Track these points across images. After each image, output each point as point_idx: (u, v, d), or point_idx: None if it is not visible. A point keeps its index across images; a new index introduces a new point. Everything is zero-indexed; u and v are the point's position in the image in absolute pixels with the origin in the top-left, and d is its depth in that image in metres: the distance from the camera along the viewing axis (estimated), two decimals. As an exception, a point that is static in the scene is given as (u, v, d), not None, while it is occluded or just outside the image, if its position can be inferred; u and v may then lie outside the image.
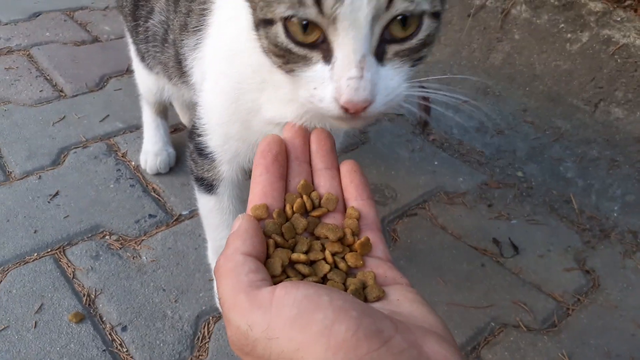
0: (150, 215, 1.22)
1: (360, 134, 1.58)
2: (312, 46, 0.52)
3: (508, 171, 1.46)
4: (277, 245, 0.47)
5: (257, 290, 0.40)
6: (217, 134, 0.82)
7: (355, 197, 0.53)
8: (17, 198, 1.22)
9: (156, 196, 1.28)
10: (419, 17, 0.51)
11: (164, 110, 1.38)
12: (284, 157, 0.53)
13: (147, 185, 1.30)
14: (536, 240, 1.27)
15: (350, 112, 0.51)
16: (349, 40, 0.49)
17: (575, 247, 1.26)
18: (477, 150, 1.54)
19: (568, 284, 1.16)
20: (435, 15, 0.53)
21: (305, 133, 0.56)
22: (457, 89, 1.66)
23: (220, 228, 0.95)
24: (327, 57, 0.52)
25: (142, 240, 1.16)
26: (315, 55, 0.53)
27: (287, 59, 0.55)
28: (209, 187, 0.89)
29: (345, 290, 0.46)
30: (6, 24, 1.99)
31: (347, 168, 0.55)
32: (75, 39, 1.92)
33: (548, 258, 1.22)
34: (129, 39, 1.25)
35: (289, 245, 0.48)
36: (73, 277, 1.06)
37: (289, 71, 0.56)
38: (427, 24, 0.52)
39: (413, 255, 1.20)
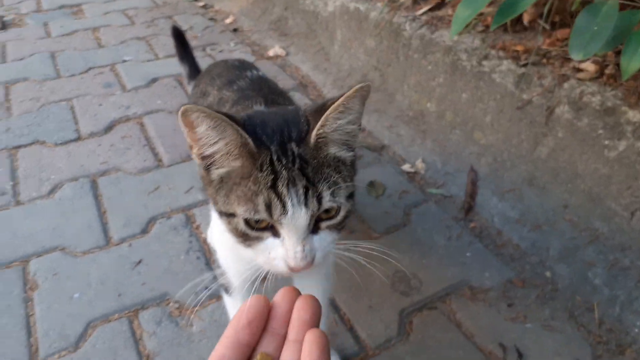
0: (206, 288, 1.49)
1: (403, 215, 1.73)
2: (263, 229, 0.74)
3: (537, 269, 1.52)
4: None
5: None
6: (223, 260, 1.08)
7: None
8: (111, 263, 1.56)
9: (214, 269, 1.55)
10: (338, 206, 0.75)
11: None
12: (259, 325, 0.54)
13: (209, 258, 1.58)
14: (545, 348, 1.33)
15: (297, 270, 0.73)
16: (293, 232, 0.72)
17: (585, 360, 1.31)
18: (513, 242, 1.61)
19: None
20: (351, 196, 0.77)
21: (294, 297, 0.56)
22: (504, 176, 1.74)
23: None
24: (276, 234, 0.74)
25: (196, 310, 1.43)
26: (266, 234, 0.74)
27: (244, 238, 0.76)
28: (226, 290, 1.13)
29: None
30: (130, 90, 2.42)
31: (309, 338, 0.52)
32: (180, 106, 2.28)
33: (550, 370, 1.29)
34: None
35: None
36: (140, 339, 1.36)
37: (248, 246, 0.77)
38: (345, 206, 0.76)
39: (420, 351, 1.33)
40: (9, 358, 1.29)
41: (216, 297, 1.47)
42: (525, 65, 1.70)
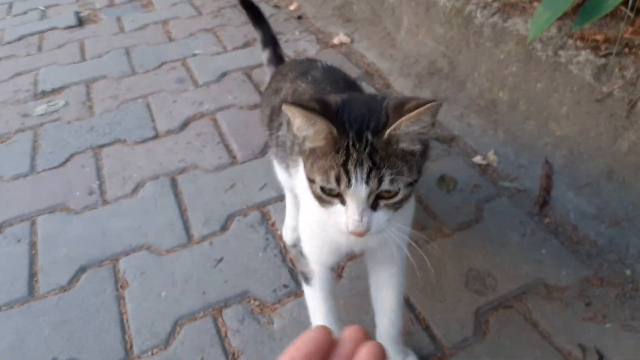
0: (284, 285, 1.56)
1: (475, 210, 1.73)
2: (334, 196, 0.91)
3: (616, 267, 1.50)
4: None
5: None
6: (307, 244, 1.21)
7: None
8: (194, 261, 1.66)
9: (291, 266, 1.62)
10: (396, 190, 0.89)
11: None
12: (318, 359, 0.50)
13: (285, 255, 1.65)
14: (626, 349, 1.32)
15: (354, 234, 0.90)
16: (354, 202, 0.88)
17: (668, 364, 1.29)
18: (590, 239, 1.58)
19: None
20: (410, 184, 0.90)
21: (362, 339, 0.52)
22: (580, 169, 1.70)
23: (314, 314, 1.29)
24: (343, 202, 0.90)
25: (276, 308, 1.51)
26: (336, 200, 0.92)
27: (320, 200, 0.94)
28: (307, 279, 1.26)
29: None
30: (201, 85, 2.51)
31: (365, 352, 0.49)
32: (249, 102, 2.35)
33: (632, 372, 1.28)
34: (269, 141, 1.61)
35: None
36: (225, 337, 1.45)
37: (323, 206, 0.95)
38: (403, 192, 0.89)
39: (497, 351, 1.35)
40: (108, 353, 1.42)
41: (294, 294, 1.53)
42: (605, 55, 1.64)
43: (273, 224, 1.76)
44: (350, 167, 0.85)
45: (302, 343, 0.50)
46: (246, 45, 2.86)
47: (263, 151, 2.06)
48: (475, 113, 2.08)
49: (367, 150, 0.86)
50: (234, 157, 2.05)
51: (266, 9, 3.23)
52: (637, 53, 1.59)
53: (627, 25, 1.65)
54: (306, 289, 1.28)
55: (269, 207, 1.82)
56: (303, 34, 2.92)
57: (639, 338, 1.34)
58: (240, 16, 3.20)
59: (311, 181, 0.94)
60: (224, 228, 1.76)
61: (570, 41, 1.74)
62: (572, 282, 1.49)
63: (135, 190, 1.93)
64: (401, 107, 0.86)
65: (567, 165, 1.75)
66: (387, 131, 0.85)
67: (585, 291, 1.46)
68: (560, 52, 1.75)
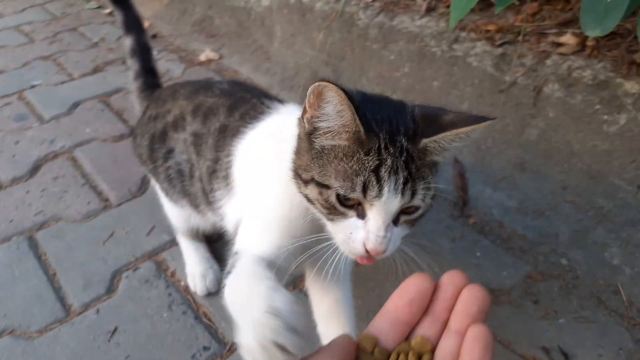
0: (205, 348, 1.27)
1: (398, 222, 1.59)
2: (351, 207, 0.77)
3: (552, 258, 1.45)
4: None
5: None
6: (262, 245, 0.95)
7: None
8: (79, 338, 1.28)
9: (208, 322, 1.33)
10: (423, 205, 0.79)
11: (197, 233, 1.44)
12: (420, 305, 0.52)
13: (198, 310, 1.35)
14: (586, 342, 1.26)
15: (369, 254, 0.77)
16: (381, 216, 0.75)
17: (627, 349, 1.24)
18: (518, 233, 1.52)
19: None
20: (434, 197, 0.80)
21: (463, 283, 0.53)
22: (492, 164, 1.65)
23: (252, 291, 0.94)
24: (361, 215, 0.77)
25: (205, 378, 1.21)
26: (352, 213, 0.78)
27: (330, 211, 0.79)
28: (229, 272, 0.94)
29: None
30: (48, 120, 2.08)
31: (472, 334, 0.49)
32: (113, 133, 1.99)
33: (601, 366, 1.21)
34: (153, 180, 1.37)
35: None
36: None
37: (330, 220, 0.81)
38: (424, 207, 0.79)
39: (462, 374, 1.21)
40: None
41: (219, 355, 1.25)
42: (501, 45, 1.61)
43: (173, 274, 1.45)
44: (384, 174, 0.74)
45: (403, 290, 0.51)
46: (96, 70, 2.47)
47: (142, 188, 1.72)
48: (371, 119, 1.97)
49: (403, 156, 0.75)
50: (106, 200, 1.69)
51: (114, 31, 2.86)
52: (530, 40, 1.58)
53: (512, 13, 1.65)
54: (229, 279, 0.92)
55: (163, 254, 1.51)
56: (162, 53, 2.60)
57: (595, 328, 1.28)
58: (82, 40, 2.78)
59: (322, 186, 0.78)
60: (110, 289, 1.41)
61: (463, 34, 1.70)
62: (515, 281, 1.40)
63: (-22, 260, 1.49)
64: (435, 118, 0.78)
65: (478, 162, 1.70)
66: (427, 140, 0.75)
67: (530, 288, 1.39)
68: (455, 46, 1.69)
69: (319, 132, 0.78)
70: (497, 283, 1.40)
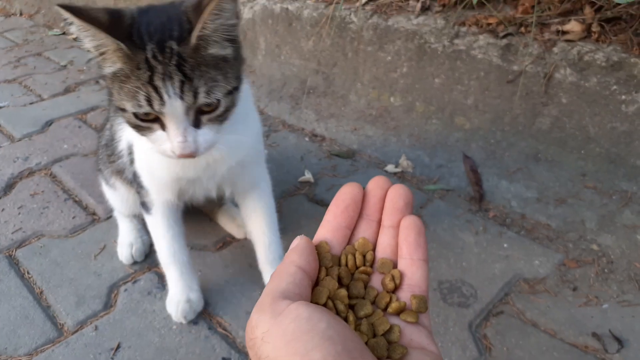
0: (224, 359, 1.12)
1: (415, 220, 1.50)
2: (152, 121, 0.82)
3: (582, 245, 1.38)
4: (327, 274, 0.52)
5: (282, 299, 0.44)
6: (145, 179, 1.11)
7: (404, 256, 0.53)
8: (76, 358, 1.11)
9: (223, 332, 1.17)
10: (217, 101, 0.81)
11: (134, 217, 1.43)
12: (355, 209, 0.55)
13: (211, 320, 1.20)
14: (635, 326, 1.18)
15: (184, 157, 0.83)
16: (173, 123, 0.80)
17: (679, 329, 1.17)
18: (542, 223, 1.46)
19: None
20: (230, 92, 0.83)
21: (386, 186, 0.56)
22: (504, 157, 1.60)
23: (158, 241, 1.19)
24: (163, 127, 0.82)
25: (224, 393, 1.05)
26: (155, 126, 0.83)
27: (138, 129, 0.85)
28: (147, 208, 1.16)
29: (374, 337, 0.48)
30: (20, 139, 1.91)
31: (404, 224, 0.54)
32: (94, 148, 1.84)
33: (657, 349, 1.13)
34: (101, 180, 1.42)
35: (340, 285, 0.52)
36: None
37: (142, 135, 0.86)
38: (224, 102, 0.83)
39: (515, 366, 1.10)
40: None
41: (242, 366, 1.10)
42: (505, 36, 1.59)
43: (178, 284, 1.29)
44: (158, 82, 0.76)
45: (339, 200, 0.55)
46: (68, 90, 2.32)
47: (133, 200, 1.57)
48: (369, 124, 1.90)
49: (174, 61, 0.76)
50: (94, 214, 1.53)
51: (82, 54, 2.72)
52: (530, 30, 1.57)
53: (510, 6, 1.64)
54: (147, 217, 1.18)
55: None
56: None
57: (640, 311, 1.21)
58: (48, 63, 2.63)
59: (122, 110, 0.83)
60: (108, 304, 1.24)
61: (464, 29, 1.67)
62: (549, 270, 1.32)
63: (-49, 283, 1.29)
64: (199, 4, 0.77)
65: (489, 156, 1.64)
66: (194, 34, 0.76)
67: (566, 276, 1.31)
68: (457, 41, 1.66)
69: (100, 58, 0.80)
70: (530, 273, 1.32)
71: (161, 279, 1.31)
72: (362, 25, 1.87)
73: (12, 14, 3.56)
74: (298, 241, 0.51)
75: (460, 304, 1.24)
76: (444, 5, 1.79)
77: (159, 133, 0.83)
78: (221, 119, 0.85)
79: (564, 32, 1.53)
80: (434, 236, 1.44)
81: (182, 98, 0.77)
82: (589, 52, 1.44)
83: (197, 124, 0.82)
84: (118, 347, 1.14)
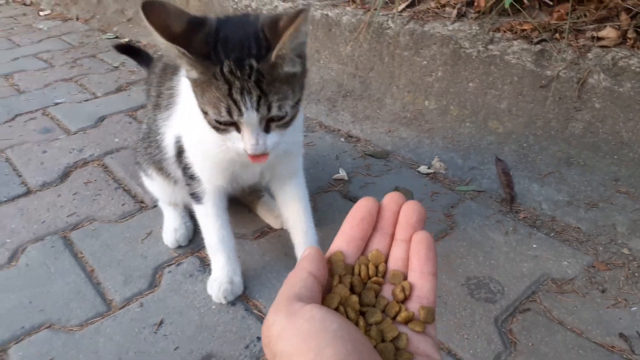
0: (259, 338, 1.18)
1: (445, 218, 1.55)
2: (229, 125, 0.93)
3: (612, 249, 1.40)
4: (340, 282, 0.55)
5: (296, 301, 0.48)
6: (197, 167, 1.22)
7: (415, 269, 0.56)
8: (124, 331, 1.20)
9: (259, 314, 1.25)
10: (286, 112, 0.92)
11: (177, 205, 1.53)
12: (370, 222, 0.59)
13: (248, 303, 1.28)
14: (663, 328, 1.19)
15: (253, 159, 0.96)
16: (248, 129, 0.91)
17: None
18: (572, 226, 1.48)
19: None
20: (297, 103, 0.95)
21: (401, 202, 0.60)
22: (536, 161, 1.62)
23: (207, 230, 1.30)
24: (238, 129, 0.93)
25: (260, 372, 1.12)
26: (231, 128, 0.94)
27: (217, 129, 0.95)
28: (198, 198, 1.26)
29: (382, 342, 0.51)
30: (75, 132, 2.05)
31: (416, 239, 0.57)
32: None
33: (684, 351, 1.14)
34: (139, 170, 1.54)
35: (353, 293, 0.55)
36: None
37: (219, 133, 0.96)
38: (290, 113, 0.93)
39: (538, 360, 1.13)
40: None
41: None
42: (539, 42, 1.62)
43: (218, 269, 1.37)
44: (237, 96, 0.85)
45: (355, 212, 0.58)
46: (119, 89, 2.46)
47: (178, 191, 1.67)
48: (404, 126, 1.95)
49: (253, 77, 0.85)
50: (142, 202, 1.63)
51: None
52: (565, 37, 1.60)
53: (546, 13, 1.67)
54: (198, 207, 1.28)
55: (204, 250, 1.44)
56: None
57: (669, 314, 1.22)
58: (102, 65, 2.79)
59: (204, 113, 0.94)
60: (153, 284, 1.33)
61: (498, 35, 1.71)
62: (578, 271, 1.35)
63: (12, 258, 1.41)
64: (276, 25, 0.85)
65: (521, 160, 1.67)
66: (274, 53, 0.84)
67: (594, 278, 1.33)
68: (491, 47, 1.70)
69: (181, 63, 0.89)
70: (558, 273, 1.34)
71: (202, 262, 1.40)
72: (399, 31, 1.93)
73: (69, 19, 3.77)
74: (309, 250, 0.55)
75: (487, 300, 1.28)
76: (479, 12, 1.83)
77: (233, 134, 0.94)
78: (287, 125, 0.96)
79: (599, 39, 1.55)
80: (464, 235, 1.48)
81: (257, 110, 0.87)
82: (624, 57, 1.46)
83: (267, 130, 0.93)
84: (161, 322, 1.22)
